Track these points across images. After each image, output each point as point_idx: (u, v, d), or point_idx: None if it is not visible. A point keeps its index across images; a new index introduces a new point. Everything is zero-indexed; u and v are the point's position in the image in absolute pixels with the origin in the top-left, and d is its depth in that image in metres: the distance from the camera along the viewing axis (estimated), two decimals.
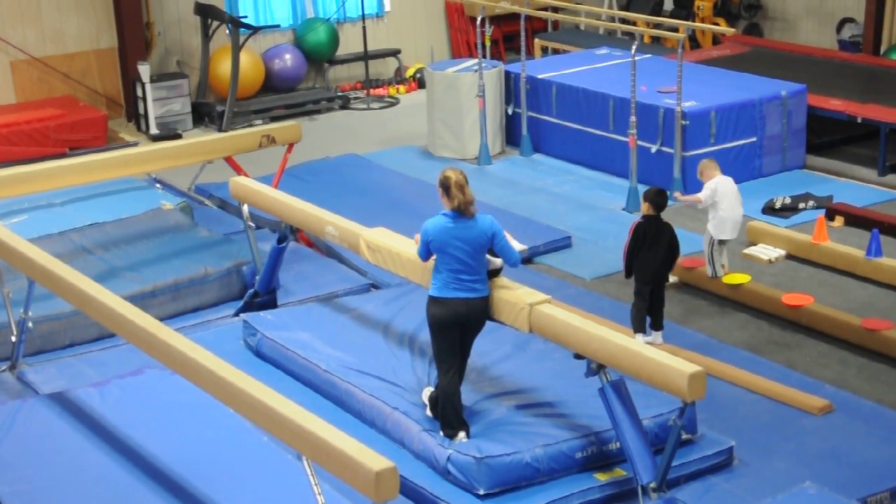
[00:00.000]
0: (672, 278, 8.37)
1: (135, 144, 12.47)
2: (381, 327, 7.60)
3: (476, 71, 11.91)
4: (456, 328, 6.15)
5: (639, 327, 7.63)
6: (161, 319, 6.63)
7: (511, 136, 12.50)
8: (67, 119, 12.52)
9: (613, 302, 8.48)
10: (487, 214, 6.21)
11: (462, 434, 6.16)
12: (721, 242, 8.53)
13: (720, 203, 8.33)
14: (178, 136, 13.10)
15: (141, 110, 13.53)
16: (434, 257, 6.19)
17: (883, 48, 13.88)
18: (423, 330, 7.45)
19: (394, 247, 7.04)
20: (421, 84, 14.82)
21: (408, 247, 7.00)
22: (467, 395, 6.44)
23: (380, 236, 7.22)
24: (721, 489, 6.14)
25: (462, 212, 6.07)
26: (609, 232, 9.86)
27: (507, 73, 12.39)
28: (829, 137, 11.93)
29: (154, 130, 13.36)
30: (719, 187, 8.35)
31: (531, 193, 10.94)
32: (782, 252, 9.28)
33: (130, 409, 6.68)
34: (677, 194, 9.00)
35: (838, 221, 9.84)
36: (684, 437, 6.10)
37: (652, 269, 7.60)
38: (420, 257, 6.35)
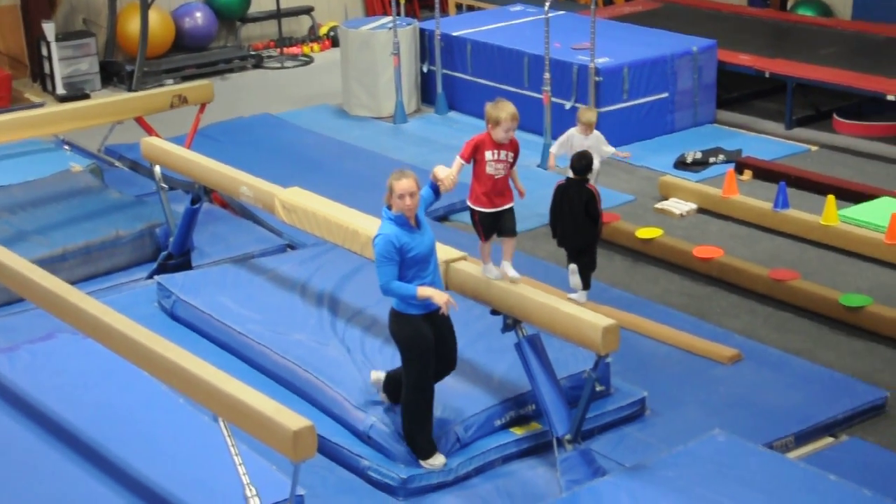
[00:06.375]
0: None
1: (41, 105, 12.20)
2: (297, 287, 7.57)
3: (390, 29, 11.85)
4: None
5: (578, 285, 7.52)
6: (72, 283, 6.54)
7: (426, 94, 12.47)
8: None
9: (528, 258, 8.55)
10: (379, 233, 5.61)
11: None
12: None
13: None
14: (87, 97, 12.83)
15: (46, 70, 13.21)
16: None
17: (790, 3, 14.14)
18: (340, 289, 7.46)
19: (309, 206, 7.00)
20: (335, 42, 14.69)
21: (324, 206, 6.98)
22: (385, 362, 6.40)
23: (295, 196, 7.18)
24: (634, 439, 6.27)
25: None
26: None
27: (422, 31, 12.34)
28: (739, 92, 12.15)
29: (61, 91, 13.06)
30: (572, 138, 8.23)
31: (447, 151, 10.92)
32: (693, 206, 9.45)
33: (42, 375, 6.57)
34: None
35: (747, 175, 10.04)
36: (598, 388, 6.21)
37: (564, 232, 7.54)
38: None
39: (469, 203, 6.03)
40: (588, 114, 8.18)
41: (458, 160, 5.85)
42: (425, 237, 5.63)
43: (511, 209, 6.01)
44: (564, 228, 7.52)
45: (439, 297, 5.57)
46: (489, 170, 5.86)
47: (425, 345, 5.72)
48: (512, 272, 5.99)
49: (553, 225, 7.59)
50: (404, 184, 5.50)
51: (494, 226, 6.00)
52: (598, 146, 8.13)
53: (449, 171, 5.75)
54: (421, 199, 5.62)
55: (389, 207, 5.58)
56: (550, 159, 8.36)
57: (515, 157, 5.97)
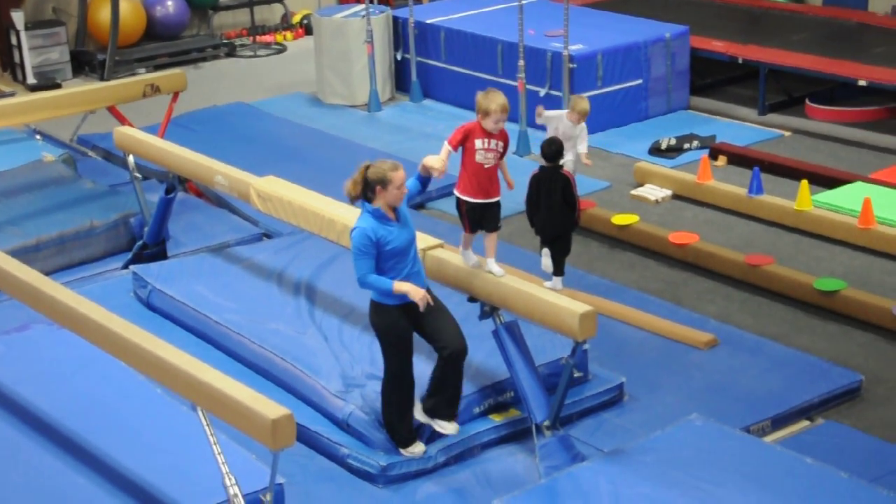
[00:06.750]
0: None
1: (11, 94, 12.08)
2: (274, 276, 7.55)
3: (364, 16, 11.80)
4: None
5: (549, 267, 7.53)
6: (47, 273, 6.49)
7: (401, 81, 12.45)
8: None
9: (505, 245, 8.53)
10: (356, 226, 5.56)
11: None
12: None
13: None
14: (58, 86, 12.72)
15: (17, 59, 13.08)
16: None
17: None
18: (317, 278, 7.44)
19: (285, 195, 6.98)
20: (308, 30, 14.62)
21: (299, 195, 6.95)
22: (362, 350, 6.43)
23: (270, 185, 7.15)
24: (612, 424, 6.30)
25: None
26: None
27: (395, 19, 12.31)
28: (712, 78, 12.19)
29: (31, 80, 12.94)
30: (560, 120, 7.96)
31: (422, 139, 10.93)
32: (668, 192, 9.48)
33: (17, 366, 6.53)
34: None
35: (721, 161, 10.08)
36: (576, 375, 6.23)
37: (543, 220, 7.50)
38: None
39: (456, 192, 5.98)
40: (582, 103, 7.90)
41: (447, 146, 5.81)
42: (404, 230, 5.60)
43: (497, 203, 5.99)
44: (542, 217, 7.51)
45: (415, 292, 5.54)
46: (478, 158, 5.82)
47: (403, 334, 5.71)
48: (496, 268, 5.96)
49: (530, 215, 7.57)
50: (402, 174, 5.49)
51: (480, 218, 5.98)
52: (579, 139, 7.94)
53: (437, 158, 5.71)
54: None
55: (369, 200, 5.56)
56: (540, 115, 8.03)
57: (505, 148, 5.93)
